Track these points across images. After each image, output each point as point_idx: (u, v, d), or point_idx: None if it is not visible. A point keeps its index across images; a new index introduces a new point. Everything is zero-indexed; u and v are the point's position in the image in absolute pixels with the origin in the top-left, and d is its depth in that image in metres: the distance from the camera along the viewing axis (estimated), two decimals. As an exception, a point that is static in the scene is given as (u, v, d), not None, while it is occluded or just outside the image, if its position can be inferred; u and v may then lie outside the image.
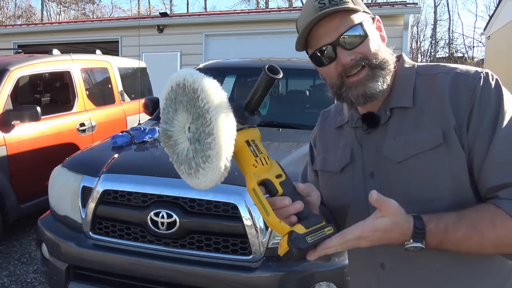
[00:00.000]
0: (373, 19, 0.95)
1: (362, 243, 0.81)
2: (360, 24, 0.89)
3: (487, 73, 0.88)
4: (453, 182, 0.85)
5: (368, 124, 0.95)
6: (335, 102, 1.10)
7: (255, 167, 0.82)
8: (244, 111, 0.83)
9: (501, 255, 0.86)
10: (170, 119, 0.86)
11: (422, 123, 0.89)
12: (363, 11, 0.92)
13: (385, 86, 0.91)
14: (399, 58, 1.00)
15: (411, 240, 0.80)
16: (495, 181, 0.82)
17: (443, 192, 0.86)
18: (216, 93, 0.78)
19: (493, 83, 0.86)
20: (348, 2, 0.88)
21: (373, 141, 0.96)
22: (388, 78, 0.92)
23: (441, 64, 0.96)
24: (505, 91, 0.86)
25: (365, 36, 0.89)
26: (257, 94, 0.81)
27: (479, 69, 0.89)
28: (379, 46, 0.92)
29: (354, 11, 0.89)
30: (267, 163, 0.83)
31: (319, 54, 0.92)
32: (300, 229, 0.77)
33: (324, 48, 0.90)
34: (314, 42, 0.92)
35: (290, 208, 0.80)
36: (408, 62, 0.99)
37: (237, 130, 0.79)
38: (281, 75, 0.76)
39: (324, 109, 1.18)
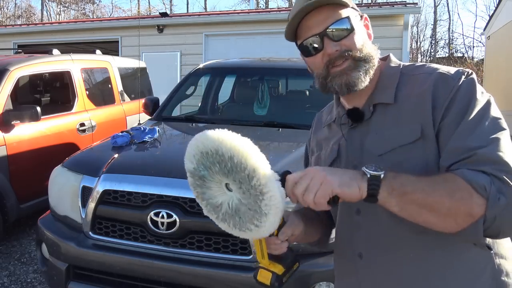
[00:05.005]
0: (361, 16, 1.00)
1: (316, 180, 0.82)
2: (348, 18, 0.95)
3: (467, 73, 0.92)
4: (427, 174, 0.88)
5: (353, 119, 1.00)
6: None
7: None
8: None
9: (464, 236, 0.85)
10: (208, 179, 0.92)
11: (402, 118, 0.94)
12: (352, 7, 0.97)
13: (367, 79, 0.96)
14: (386, 58, 1.05)
15: (371, 166, 0.83)
16: (446, 162, 0.87)
17: None
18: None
19: (470, 81, 0.90)
20: None
21: (357, 135, 1.01)
22: (371, 72, 0.97)
23: (426, 65, 1.00)
24: (478, 88, 0.90)
25: (351, 30, 0.95)
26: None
27: (460, 69, 0.94)
28: (364, 42, 0.97)
29: (343, 5, 0.95)
30: None
31: (307, 44, 0.97)
32: (280, 269, 0.98)
33: (312, 38, 0.95)
34: (303, 33, 0.97)
35: (278, 247, 0.97)
36: (394, 61, 1.04)
37: None
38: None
39: (319, 111, 1.23)
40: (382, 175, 0.81)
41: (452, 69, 0.94)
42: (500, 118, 0.87)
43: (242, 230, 0.90)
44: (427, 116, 0.90)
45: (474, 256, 0.91)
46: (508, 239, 0.97)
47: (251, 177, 0.83)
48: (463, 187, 0.80)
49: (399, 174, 0.83)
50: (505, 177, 0.79)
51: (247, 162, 0.83)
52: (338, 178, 0.82)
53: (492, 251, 0.92)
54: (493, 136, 0.83)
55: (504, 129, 0.86)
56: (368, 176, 0.82)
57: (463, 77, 0.91)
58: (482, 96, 0.89)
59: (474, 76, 0.92)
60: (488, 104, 0.88)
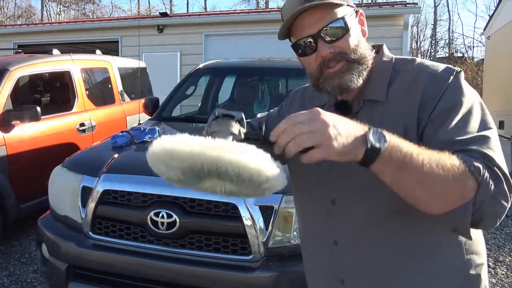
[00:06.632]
0: (356, 12, 0.99)
1: (315, 125, 0.73)
2: (343, 18, 0.93)
3: (455, 71, 0.93)
4: None
5: (340, 112, 0.97)
6: None
7: None
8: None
9: (446, 220, 0.83)
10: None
11: (388, 117, 0.94)
12: (347, 5, 0.96)
13: (360, 80, 0.96)
14: (379, 49, 1.03)
15: (372, 129, 0.76)
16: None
17: None
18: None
19: (458, 80, 0.91)
20: None
21: None
22: (365, 73, 0.96)
23: (416, 60, 0.99)
24: (466, 86, 0.91)
25: (346, 31, 0.93)
26: None
27: (450, 68, 0.94)
28: (359, 42, 0.96)
29: (338, 5, 0.93)
30: None
31: (301, 45, 0.96)
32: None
33: (306, 39, 0.94)
34: (297, 32, 0.96)
35: None
36: (387, 55, 1.03)
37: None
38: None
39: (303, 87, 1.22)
40: (382, 148, 0.75)
41: (441, 67, 0.94)
42: (485, 116, 0.88)
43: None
44: (412, 117, 0.90)
45: (445, 249, 0.94)
46: (481, 236, 1.00)
47: (259, 182, 0.76)
48: (459, 167, 0.78)
49: (402, 144, 0.77)
50: (496, 169, 0.80)
51: (251, 172, 0.75)
52: (341, 145, 0.73)
53: (464, 246, 0.94)
54: (481, 133, 0.84)
55: (490, 127, 0.86)
56: (368, 146, 0.74)
57: (452, 76, 0.91)
58: (469, 95, 0.89)
59: (462, 74, 0.93)
60: (475, 103, 0.89)
